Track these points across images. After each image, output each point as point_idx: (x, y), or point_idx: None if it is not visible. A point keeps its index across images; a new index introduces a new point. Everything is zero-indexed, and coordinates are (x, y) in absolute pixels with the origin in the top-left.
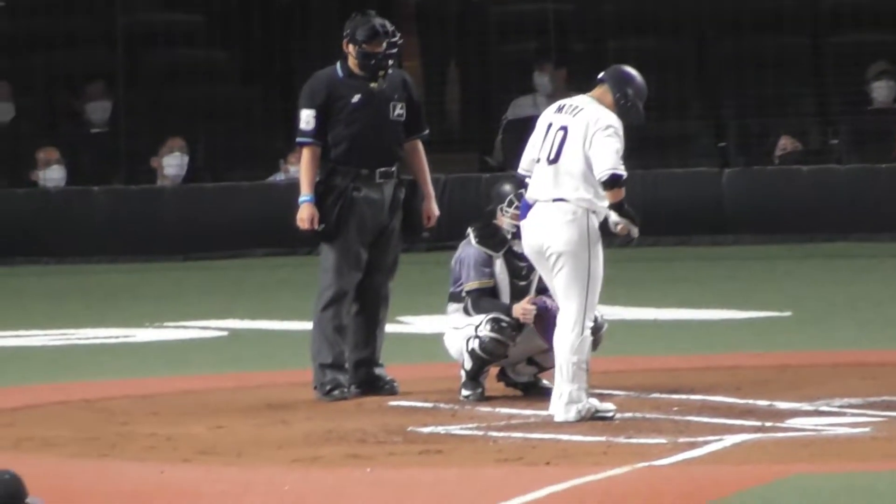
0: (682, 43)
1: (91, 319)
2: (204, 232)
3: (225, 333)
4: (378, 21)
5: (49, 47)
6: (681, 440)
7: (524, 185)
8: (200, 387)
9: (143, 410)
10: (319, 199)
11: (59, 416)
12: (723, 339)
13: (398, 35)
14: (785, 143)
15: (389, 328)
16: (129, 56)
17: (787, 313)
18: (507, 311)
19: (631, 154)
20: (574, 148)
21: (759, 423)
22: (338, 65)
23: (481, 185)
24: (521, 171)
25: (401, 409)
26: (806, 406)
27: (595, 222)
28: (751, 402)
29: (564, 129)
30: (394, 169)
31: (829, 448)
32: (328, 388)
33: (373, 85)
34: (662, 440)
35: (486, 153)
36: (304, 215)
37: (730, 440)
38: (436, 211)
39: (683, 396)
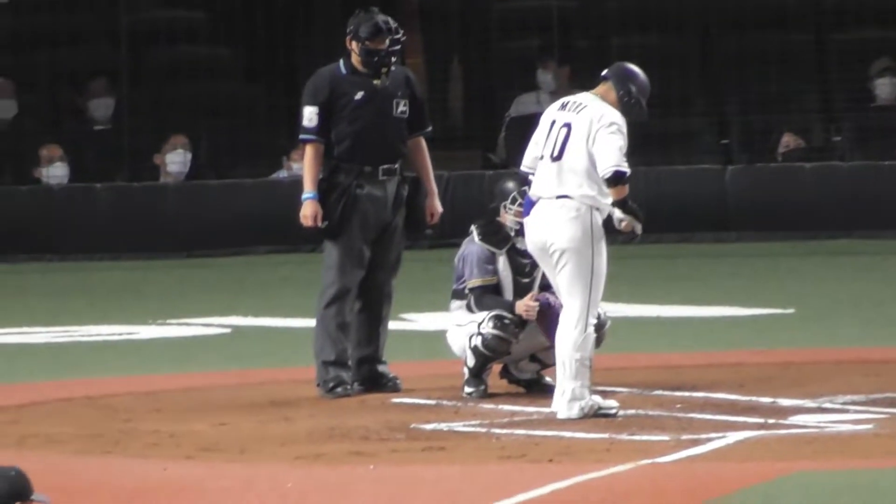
0: (685, 39)
1: (94, 316)
2: (207, 229)
3: (228, 330)
4: (381, 18)
5: (52, 44)
6: (684, 437)
7: (527, 182)
8: (203, 384)
9: (146, 407)
10: (323, 196)
11: (62, 413)
12: (726, 336)
13: (401, 32)
14: (788, 140)
15: (392, 325)
16: (132, 53)
17: (790, 310)
18: (510, 308)
19: (634, 151)
20: (578, 145)
21: (762, 421)
22: (341, 62)
23: (484, 183)
24: (523, 168)
25: (404, 407)
26: (809, 403)
27: (599, 219)
28: (754, 399)
29: (568, 126)
30: (397, 166)
31: (832, 445)
32: (331, 385)
33: (376, 82)
34: (665, 437)
35: (490, 150)
36: (308, 212)
37: (733, 437)
38: (439, 208)
39: (686, 393)
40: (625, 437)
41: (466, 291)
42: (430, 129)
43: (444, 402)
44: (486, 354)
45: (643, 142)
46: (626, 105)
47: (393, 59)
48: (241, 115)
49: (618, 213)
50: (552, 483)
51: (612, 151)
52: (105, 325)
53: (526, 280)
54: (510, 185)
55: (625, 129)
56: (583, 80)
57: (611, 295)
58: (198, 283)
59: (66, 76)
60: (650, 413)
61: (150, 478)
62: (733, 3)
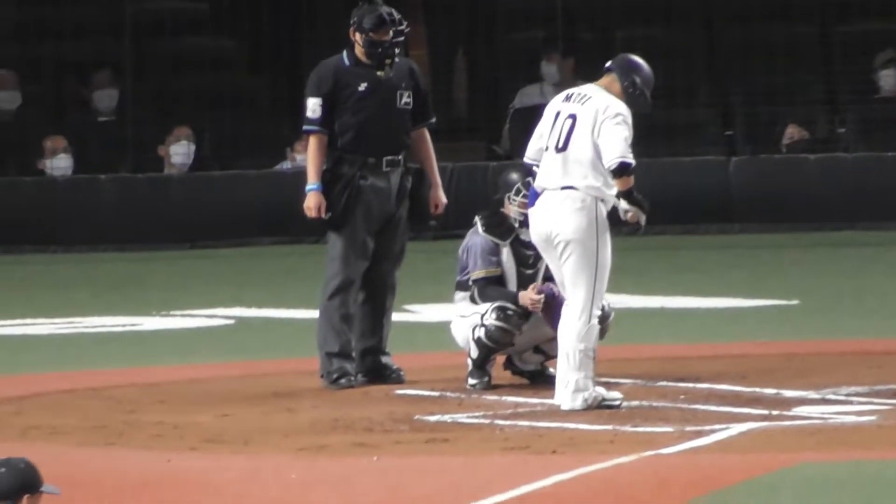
0: (689, 31)
1: (98, 308)
2: (211, 220)
3: (232, 322)
4: (385, 9)
5: (57, 36)
6: (687, 429)
7: (531, 174)
8: (207, 375)
9: (149, 399)
10: (326, 187)
11: (65, 405)
12: (729, 327)
13: (405, 23)
14: (792, 132)
15: (396, 317)
16: (136, 44)
17: (794, 302)
18: (514, 299)
19: (638, 142)
20: (583, 136)
21: (765, 412)
22: (344, 53)
23: (488, 174)
24: (527, 159)
25: (407, 398)
26: (812, 394)
27: (603, 210)
28: (757, 390)
29: (573, 117)
30: (401, 157)
31: (836, 436)
32: (335, 376)
33: (379, 73)
34: (669, 429)
35: (494, 142)
36: (311, 203)
37: (736, 429)
38: (443, 199)
39: (690, 385)
40: (628, 428)
41: (470, 283)
42: (433, 120)
43: (448, 394)
44: (490, 346)
45: (647, 133)
46: (630, 96)
47: (396, 51)
48: (245, 107)
49: (623, 205)
50: (556, 474)
51: (617, 142)
52: (109, 317)
53: (530, 271)
54: (514, 176)
55: (630, 120)
56: (587, 72)
57: (614, 286)
58: (201, 274)
59: (70, 67)
60: (654, 404)
61: (154, 469)
62: None
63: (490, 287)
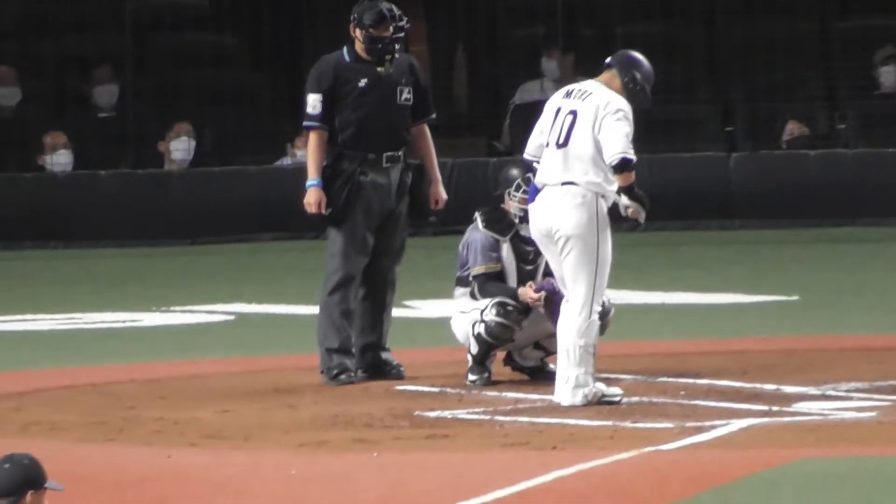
0: (689, 27)
1: (98, 304)
2: (211, 216)
3: (232, 318)
4: (385, 5)
5: (57, 31)
6: (687, 424)
7: (531, 170)
8: (207, 371)
9: (149, 395)
10: (327, 183)
11: (65, 401)
12: (730, 323)
13: (405, 19)
14: (792, 128)
15: (396, 312)
16: (136, 40)
17: (794, 298)
18: (514, 295)
19: (638, 138)
20: (584, 132)
21: (765, 408)
22: (345, 49)
23: (489, 170)
24: (527, 155)
25: (407, 394)
26: (813, 390)
27: (604, 206)
28: (758, 386)
29: (574, 113)
30: (401, 153)
31: (836, 432)
32: (335, 372)
33: (380, 69)
34: (669, 424)
35: (494, 138)
36: (312, 199)
37: (736, 424)
38: (443, 195)
39: (690, 381)
40: (628, 424)
41: (470, 279)
42: (433, 116)
43: (448, 390)
44: (490, 342)
45: (647, 129)
46: (630, 92)
47: (397, 47)
48: (246, 103)
49: (624, 200)
50: (556, 470)
51: (618, 138)
52: (109, 313)
53: (530, 267)
54: (514, 172)
55: (631, 116)
56: (587, 68)
57: (614, 282)
58: (202, 270)
59: (70, 63)
60: (654, 400)
61: (154, 465)
62: None
63: (490, 283)
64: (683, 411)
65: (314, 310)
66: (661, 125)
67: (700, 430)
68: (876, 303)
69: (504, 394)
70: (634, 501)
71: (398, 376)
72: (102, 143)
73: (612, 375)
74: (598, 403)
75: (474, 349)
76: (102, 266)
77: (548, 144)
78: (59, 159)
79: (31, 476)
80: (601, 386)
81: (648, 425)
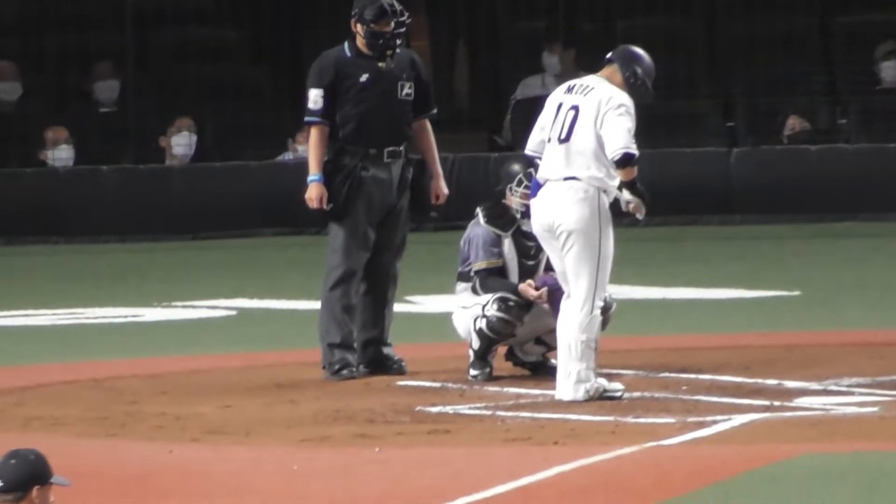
0: (691, 22)
1: (100, 299)
2: (212, 211)
3: (233, 313)
4: (386, 0)
5: (58, 27)
6: (689, 420)
7: (533, 165)
8: (209, 366)
9: (151, 390)
10: (328, 178)
11: (67, 396)
12: (731, 318)
13: (406, 14)
14: (793, 123)
15: (398, 308)
16: (137, 35)
17: (796, 293)
18: (516, 290)
19: (639, 133)
20: (586, 127)
21: (767, 403)
22: (346, 44)
23: (490, 165)
24: (528, 151)
25: (409, 389)
26: (814, 385)
27: (606, 201)
28: (759, 381)
29: (576, 108)
30: (402, 148)
31: (838, 427)
32: (336, 367)
33: (381, 64)
34: (671, 420)
35: (495, 133)
36: (313, 194)
37: (738, 420)
38: (444, 190)
39: (692, 376)
40: (630, 419)
41: (472, 274)
42: (435, 111)
43: (450, 385)
44: (491, 337)
45: (649, 124)
46: (632, 86)
47: (398, 42)
48: (247, 98)
49: (626, 195)
50: (557, 465)
51: (621, 133)
52: (111, 308)
53: (531, 262)
54: (516, 167)
55: (633, 111)
56: (588, 63)
57: (616, 277)
58: (203, 265)
59: (71, 58)
60: (656, 395)
61: (156, 460)
62: None
63: (492, 278)
64: (685, 406)
65: (316, 305)
66: (663, 120)
67: (701, 425)
68: (877, 298)
69: (506, 389)
70: (636, 496)
71: (400, 371)
72: (104, 138)
73: (614, 371)
74: (600, 399)
75: (476, 344)
76: (104, 261)
77: (549, 140)
78: (61, 154)
79: (36, 471)
80: (603, 381)
81: (650, 420)
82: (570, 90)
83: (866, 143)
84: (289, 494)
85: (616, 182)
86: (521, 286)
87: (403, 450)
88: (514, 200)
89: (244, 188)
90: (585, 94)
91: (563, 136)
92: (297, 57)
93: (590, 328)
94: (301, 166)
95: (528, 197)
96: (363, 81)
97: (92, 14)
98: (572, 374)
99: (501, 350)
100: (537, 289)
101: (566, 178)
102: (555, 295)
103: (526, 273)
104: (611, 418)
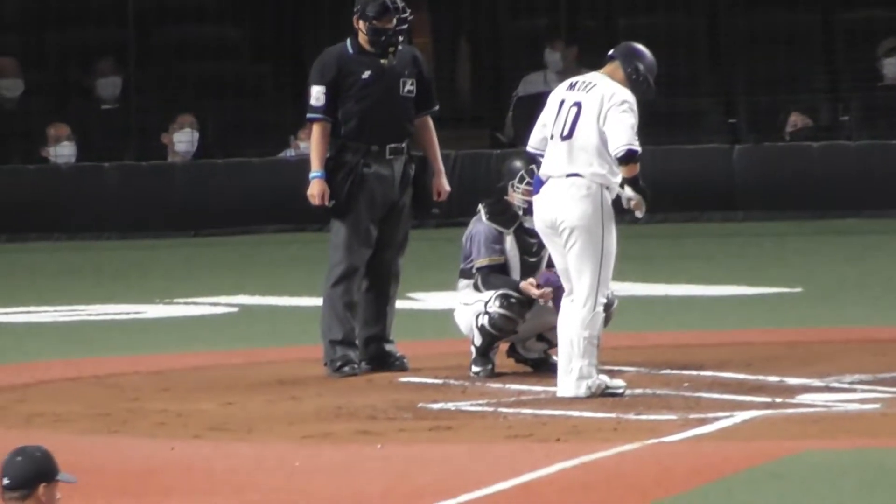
0: (693, 19)
1: (102, 296)
2: (214, 208)
3: (235, 310)
4: None
5: (60, 23)
6: (691, 416)
7: (535, 162)
8: (211, 363)
9: (153, 386)
10: (330, 175)
11: (69, 393)
12: (733, 315)
13: (408, 11)
14: (796, 120)
15: (400, 304)
16: (139, 32)
17: (798, 289)
18: (517, 287)
19: (641, 130)
20: (588, 123)
21: (769, 400)
22: (348, 41)
23: (492, 162)
24: (530, 148)
25: (411, 386)
26: (816, 382)
27: (608, 198)
28: (761, 378)
29: (578, 105)
30: (404, 145)
31: (840, 424)
32: (338, 364)
33: (383, 61)
34: (673, 416)
35: (497, 129)
36: (315, 191)
37: (740, 416)
38: (446, 187)
39: (694, 372)
40: (632, 416)
41: (474, 271)
42: (437, 107)
43: (452, 382)
44: (493, 333)
45: (651, 121)
46: (634, 83)
47: (400, 39)
48: (249, 95)
49: (628, 192)
50: (559, 462)
51: (623, 130)
52: (112, 304)
53: (533, 259)
54: (518, 164)
55: (636, 108)
56: (590, 60)
57: (618, 274)
58: (205, 262)
59: (73, 55)
60: (658, 392)
61: (158, 457)
62: None
63: (493, 275)
64: (687, 403)
65: (318, 302)
66: (665, 117)
67: (703, 422)
68: (880, 294)
69: (507, 386)
70: (638, 493)
71: (402, 368)
72: (106, 135)
73: (616, 367)
74: (602, 395)
75: (478, 341)
76: (106, 258)
77: (552, 137)
78: (63, 151)
79: (43, 468)
80: (605, 378)
81: (652, 417)
82: (572, 87)
83: (868, 140)
84: (291, 491)
85: (618, 179)
86: (523, 284)
87: (405, 446)
88: (516, 197)
89: (246, 185)
90: (588, 91)
91: (565, 133)
92: (298, 54)
93: (592, 325)
94: (303, 163)
95: (530, 194)
96: (365, 78)
97: (94, 11)
98: (574, 370)
99: (503, 347)
100: (539, 286)
101: (569, 175)
102: (557, 293)
103: (528, 270)
104: (613, 415)
